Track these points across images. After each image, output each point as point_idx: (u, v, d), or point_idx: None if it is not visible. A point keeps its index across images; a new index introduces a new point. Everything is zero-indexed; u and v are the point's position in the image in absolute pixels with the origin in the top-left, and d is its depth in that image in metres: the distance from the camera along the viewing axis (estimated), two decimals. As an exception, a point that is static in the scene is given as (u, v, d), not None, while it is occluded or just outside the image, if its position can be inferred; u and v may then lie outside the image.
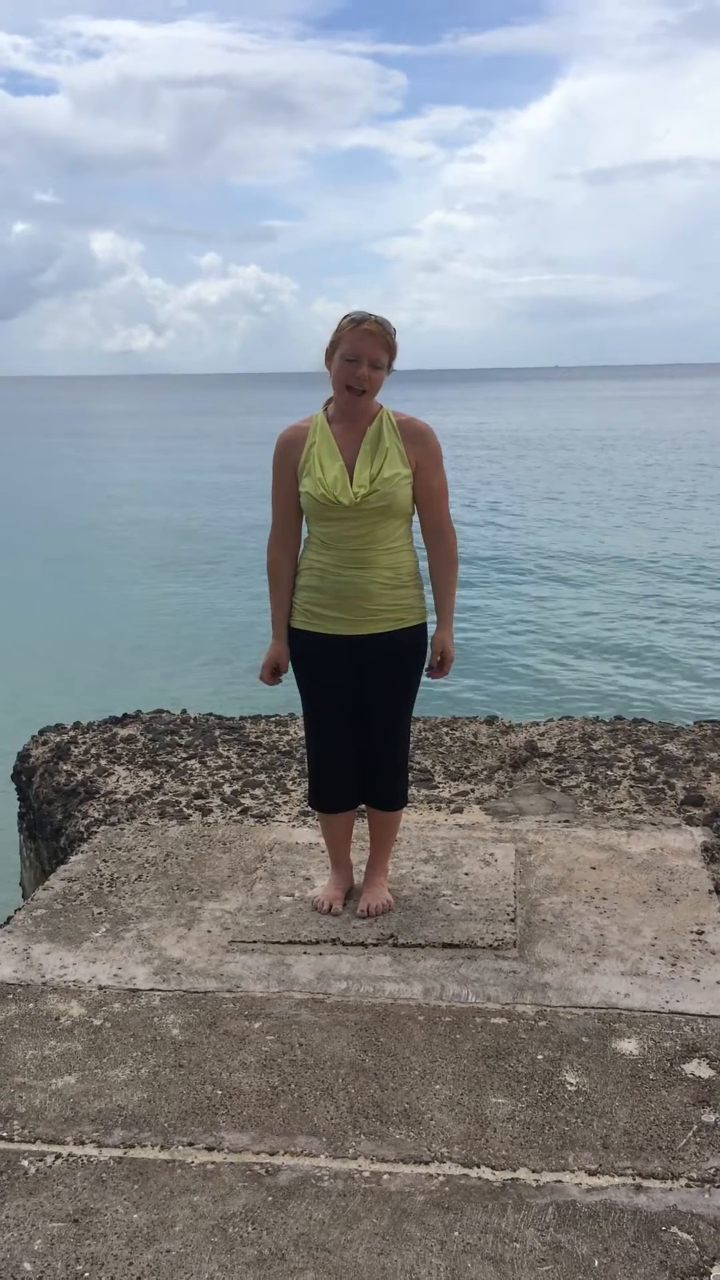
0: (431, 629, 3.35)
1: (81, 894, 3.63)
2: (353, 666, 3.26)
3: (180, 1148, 2.38)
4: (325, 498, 3.11)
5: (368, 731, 3.34)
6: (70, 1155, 2.37)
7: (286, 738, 5.16)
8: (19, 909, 3.60)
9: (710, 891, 3.53)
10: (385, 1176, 2.28)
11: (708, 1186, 2.23)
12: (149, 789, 4.58)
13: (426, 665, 3.35)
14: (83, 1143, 2.41)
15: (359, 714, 3.32)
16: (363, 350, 3.04)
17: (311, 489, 3.14)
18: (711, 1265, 2.02)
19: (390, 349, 3.08)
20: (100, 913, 3.49)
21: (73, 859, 3.94)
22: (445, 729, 5.26)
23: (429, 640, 3.35)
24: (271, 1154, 2.35)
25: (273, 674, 3.39)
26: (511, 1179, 2.26)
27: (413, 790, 4.41)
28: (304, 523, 3.30)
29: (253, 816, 4.28)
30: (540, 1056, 2.67)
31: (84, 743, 5.12)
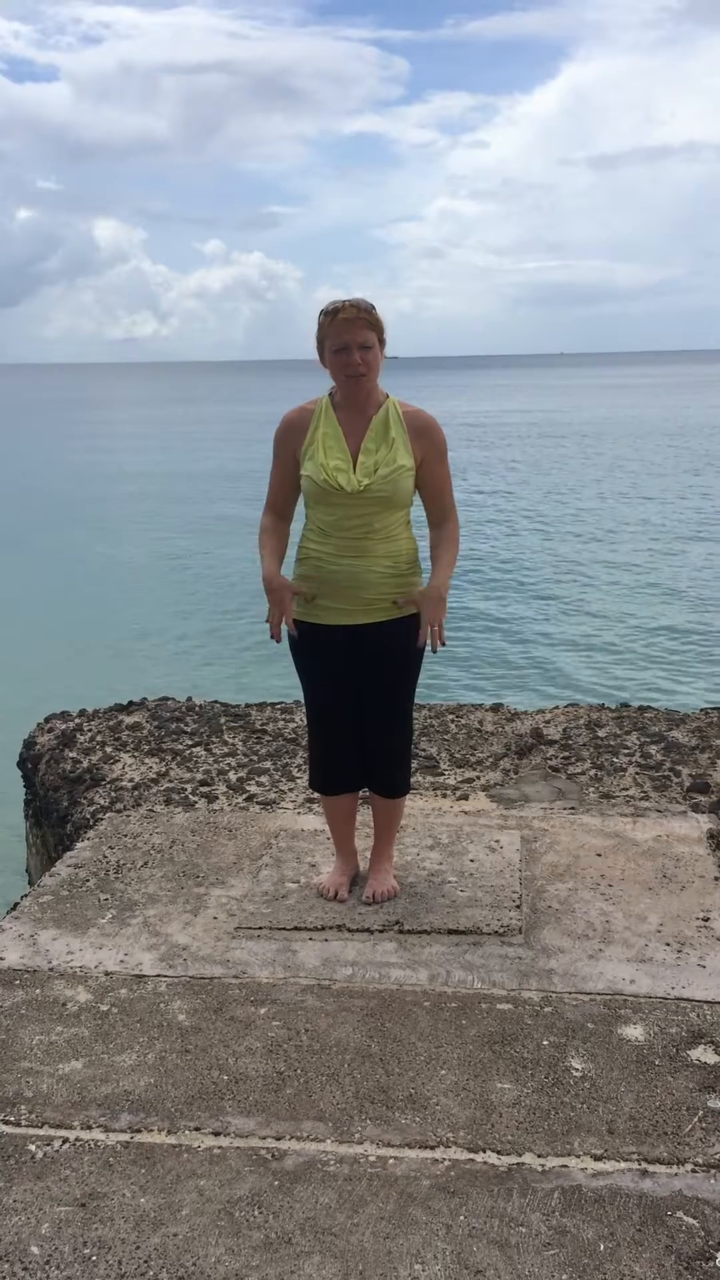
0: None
1: (88, 880, 3.64)
2: (351, 655, 3.25)
3: (187, 1132, 2.39)
4: (328, 483, 3.10)
5: (368, 719, 3.34)
6: (77, 1139, 2.38)
7: (292, 725, 5.16)
8: (25, 895, 3.61)
9: (716, 878, 3.52)
10: (391, 1161, 2.28)
11: (713, 1171, 2.23)
12: (155, 776, 4.58)
13: (419, 642, 3.20)
14: (90, 1127, 2.42)
15: (359, 701, 3.32)
16: (347, 338, 3.04)
17: (314, 474, 3.13)
18: (717, 1250, 2.03)
19: (374, 326, 3.07)
20: (106, 899, 3.50)
21: (79, 846, 3.95)
22: (451, 716, 5.26)
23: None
24: (278, 1139, 2.36)
25: (278, 605, 3.21)
26: (517, 1164, 2.27)
27: (418, 777, 4.41)
28: (302, 508, 3.29)
29: (258, 803, 4.29)
30: (546, 1042, 2.67)
31: (89, 730, 5.13)
